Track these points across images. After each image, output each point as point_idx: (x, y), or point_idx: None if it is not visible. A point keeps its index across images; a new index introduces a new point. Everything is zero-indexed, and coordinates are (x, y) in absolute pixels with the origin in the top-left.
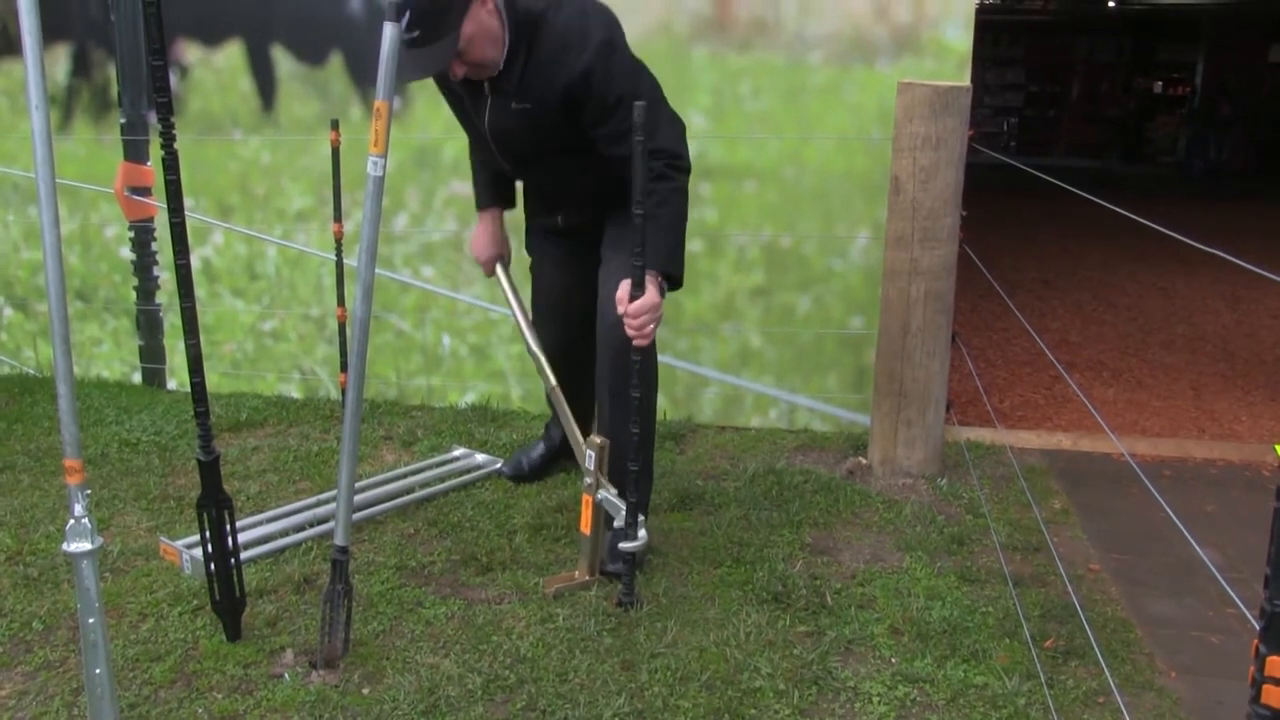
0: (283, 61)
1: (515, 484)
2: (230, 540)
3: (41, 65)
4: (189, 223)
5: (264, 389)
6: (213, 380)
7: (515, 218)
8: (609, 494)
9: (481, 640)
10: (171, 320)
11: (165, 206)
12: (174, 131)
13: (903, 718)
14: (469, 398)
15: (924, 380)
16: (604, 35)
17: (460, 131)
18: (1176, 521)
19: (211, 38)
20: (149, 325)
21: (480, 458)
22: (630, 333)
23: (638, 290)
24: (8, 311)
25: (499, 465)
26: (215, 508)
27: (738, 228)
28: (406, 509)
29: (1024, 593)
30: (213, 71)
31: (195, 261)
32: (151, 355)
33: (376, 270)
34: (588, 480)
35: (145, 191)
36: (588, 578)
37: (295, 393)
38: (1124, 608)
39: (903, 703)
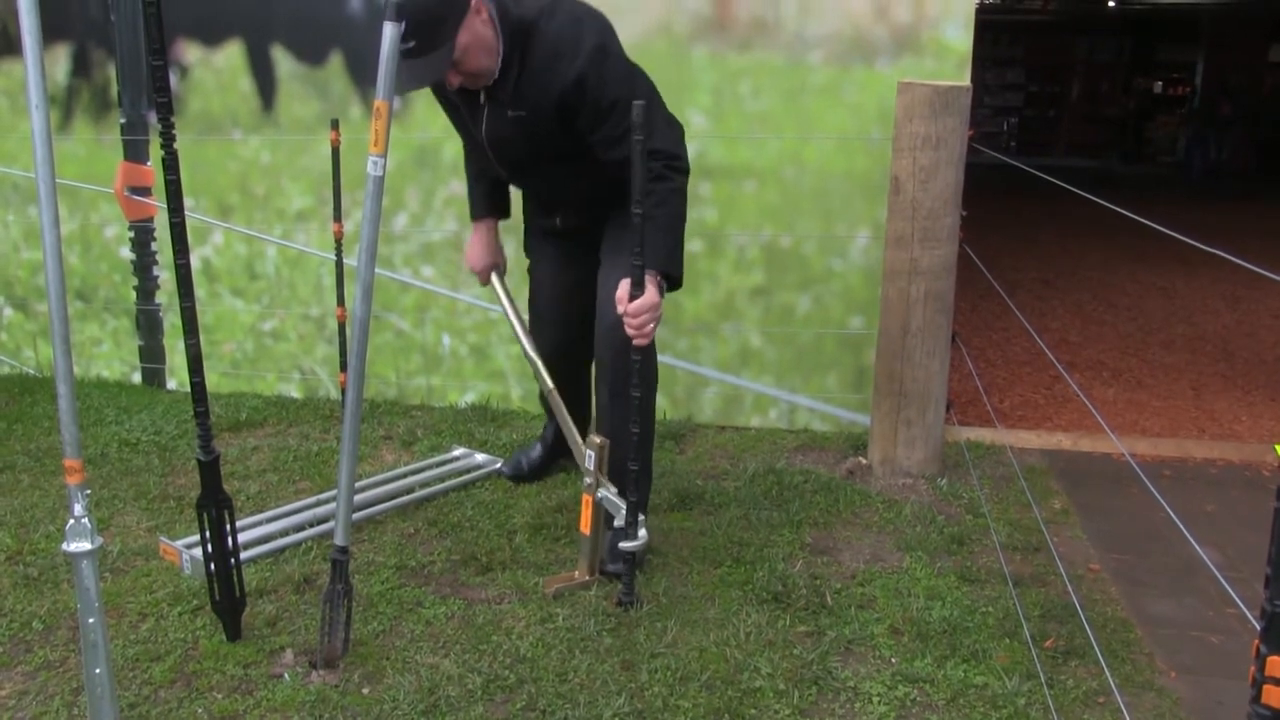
0: (283, 61)
1: (515, 484)
2: (230, 540)
3: (41, 65)
4: (189, 223)
5: (264, 389)
6: (212, 380)
7: (514, 219)
8: (609, 493)
9: (481, 640)
10: (171, 320)
11: (165, 206)
12: (174, 131)
13: (903, 718)
14: (469, 397)
15: (924, 380)
16: (596, 41)
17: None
18: (1176, 521)
19: (211, 38)
20: (149, 325)
21: (480, 457)
22: (630, 332)
23: (637, 290)
24: (8, 311)
25: (499, 465)
26: (215, 508)
27: (737, 228)
28: (406, 509)
29: (1024, 593)
30: (213, 71)
31: (195, 261)
32: (151, 355)
33: (376, 270)
34: (587, 480)
35: (145, 191)
36: (588, 578)
37: (295, 392)
38: (1124, 608)
39: (903, 703)
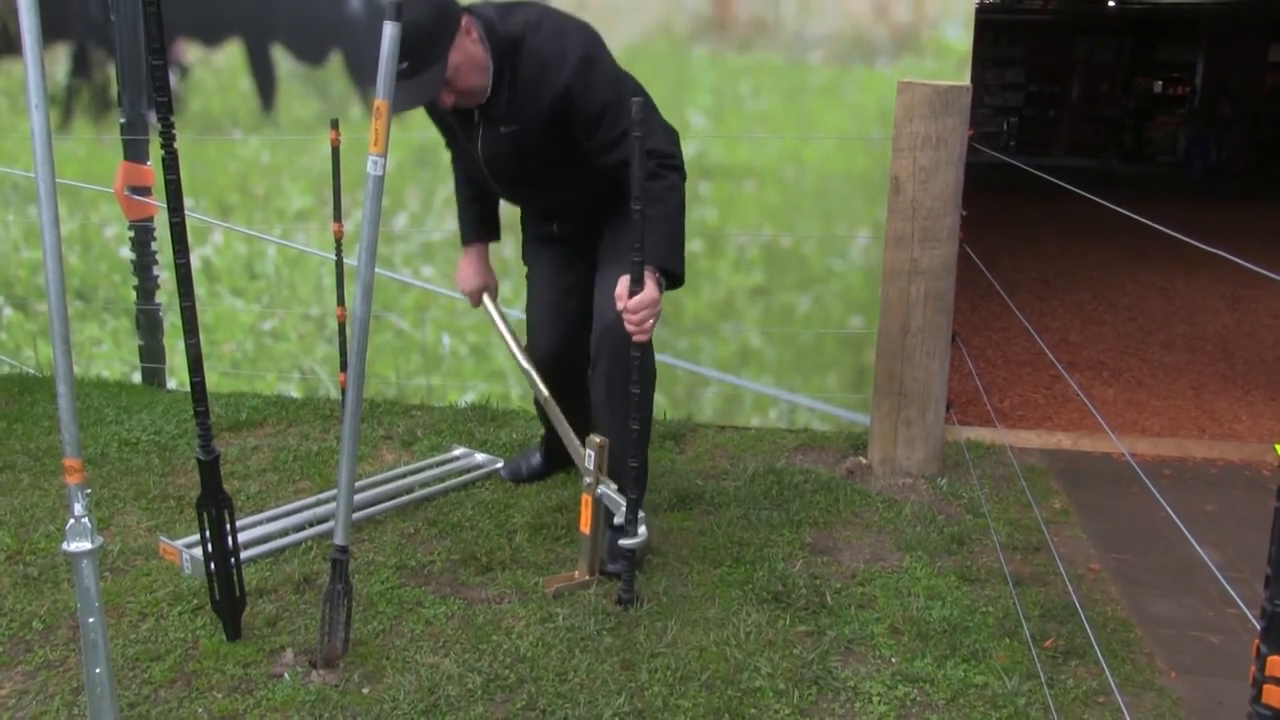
0: (282, 61)
1: (515, 484)
2: (230, 540)
3: (41, 65)
4: (189, 222)
5: (264, 389)
6: (212, 380)
7: (514, 220)
8: (609, 490)
9: (481, 640)
10: (171, 320)
11: (165, 206)
12: (174, 131)
13: (903, 717)
14: (469, 397)
15: (924, 380)
16: (582, 51)
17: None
18: (1177, 521)
19: (211, 37)
20: (149, 325)
21: (480, 457)
22: (630, 328)
23: (637, 286)
24: (8, 311)
25: (499, 465)
26: (215, 507)
27: (737, 227)
28: (406, 509)
29: (1024, 592)
30: (213, 71)
31: (195, 261)
32: (151, 355)
33: (376, 270)
34: (587, 480)
35: (145, 191)
36: (588, 577)
37: (295, 392)
38: (1124, 607)
39: (903, 702)
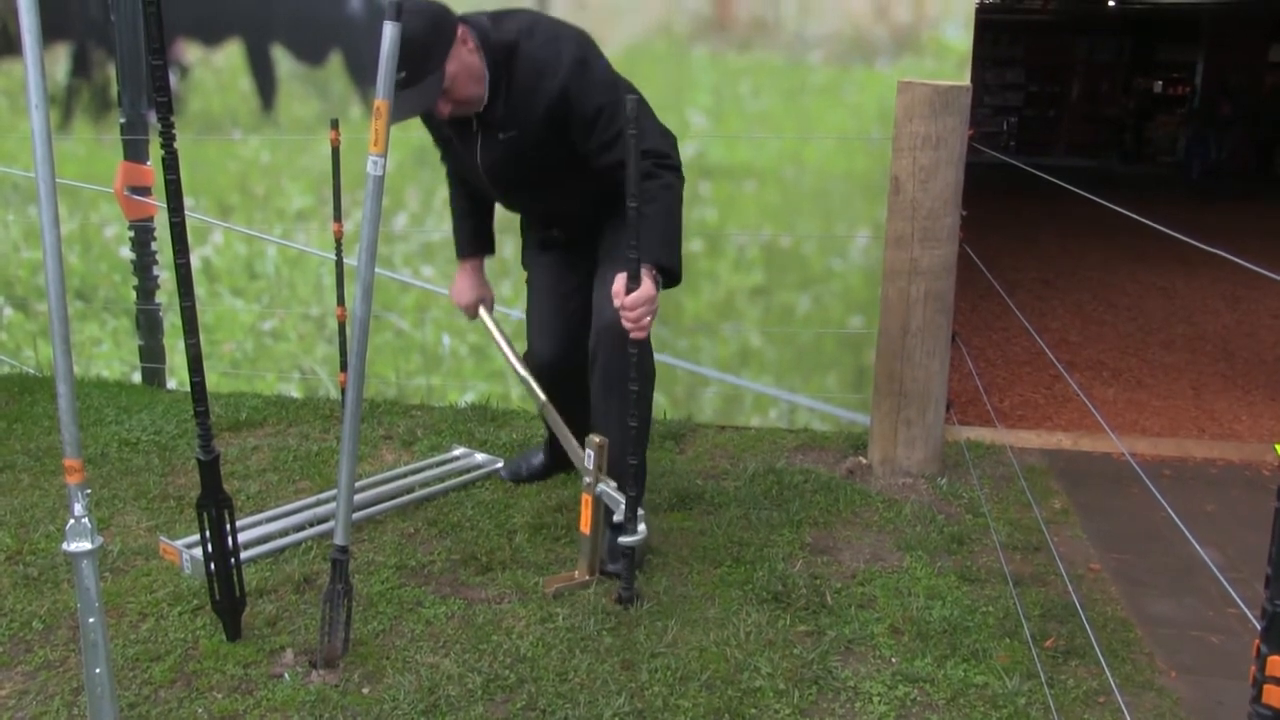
0: (282, 61)
1: (515, 484)
2: (230, 540)
3: (41, 65)
4: (189, 222)
5: (264, 389)
6: (212, 380)
7: (513, 222)
8: (608, 487)
9: (481, 640)
10: (171, 320)
11: (165, 206)
12: (174, 131)
13: (903, 717)
14: (469, 397)
15: (924, 380)
16: (576, 54)
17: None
18: (1177, 521)
19: (211, 37)
20: (149, 325)
21: (480, 457)
22: (627, 325)
23: (633, 283)
24: (8, 311)
25: (498, 465)
26: (215, 507)
27: (737, 227)
28: (406, 509)
29: (1024, 592)
30: (212, 71)
31: (195, 261)
32: (151, 355)
33: (376, 270)
34: (586, 480)
35: (145, 191)
36: (587, 577)
37: (295, 392)
38: (1124, 607)
39: (903, 702)
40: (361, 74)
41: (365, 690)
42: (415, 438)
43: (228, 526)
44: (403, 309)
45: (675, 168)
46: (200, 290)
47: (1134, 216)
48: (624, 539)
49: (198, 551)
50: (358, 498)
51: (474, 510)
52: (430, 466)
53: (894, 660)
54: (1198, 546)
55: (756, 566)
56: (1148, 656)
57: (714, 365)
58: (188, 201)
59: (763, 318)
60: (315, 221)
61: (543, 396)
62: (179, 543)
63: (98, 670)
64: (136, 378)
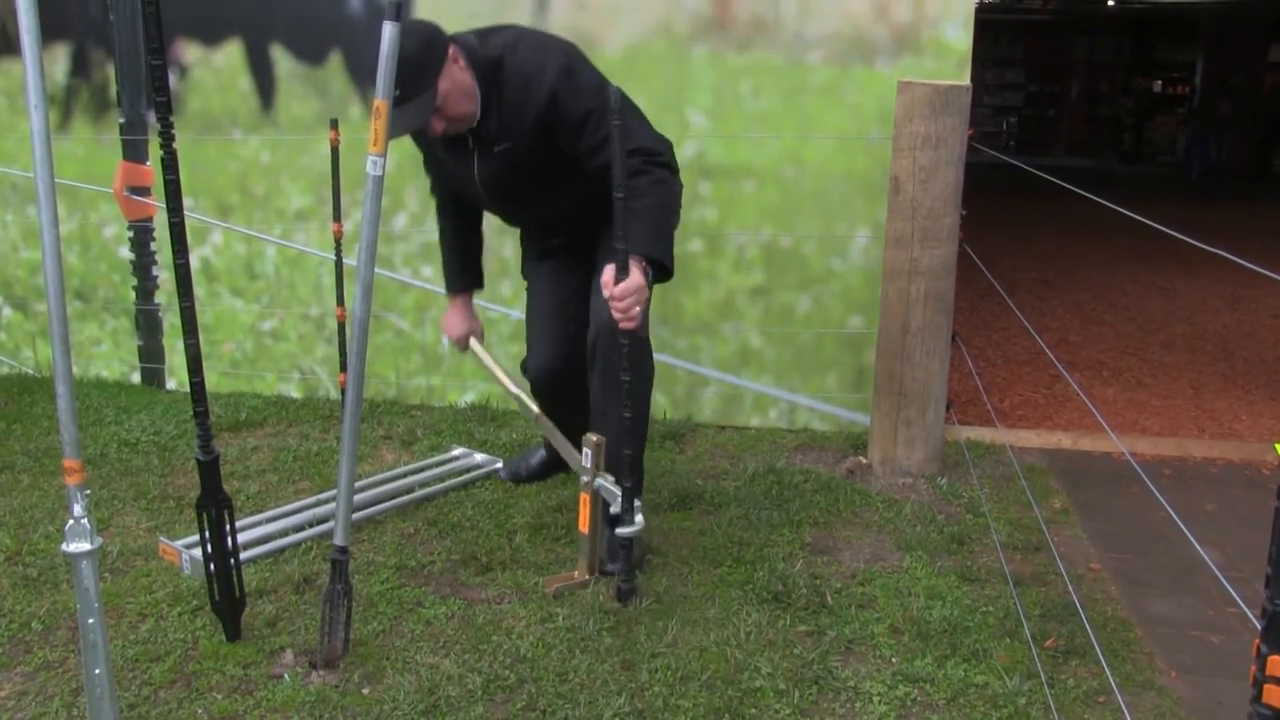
0: (282, 61)
1: (515, 484)
2: (230, 540)
3: (40, 65)
4: (188, 222)
5: (263, 389)
6: (212, 380)
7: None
8: (605, 481)
9: (481, 640)
10: (171, 320)
11: (164, 206)
12: (173, 131)
13: (903, 717)
14: (468, 397)
15: (924, 380)
16: (561, 62)
17: None
18: (1177, 520)
19: (211, 37)
20: (148, 325)
21: (479, 457)
22: (616, 315)
23: (622, 274)
24: (7, 311)
25: (498, 465)
26: (215, 508)
27: (737, 227)
28: (406, 509)
29: (1024, 592)
30: (212, 71)
31: (194, 261)
32: (151, 355)
33: (376, 270)
34: (585, 479)
35: (144, 191)
36: (587, 577)
37: (295, 392)
38: (1124, 607)
39: (903, 702)
40: (361, 74)
41: (365, 691)
42: (415, 438)
43: (227, 527)
44: (403, 309)
45: (667, 165)
46: (200, 290)
47: (1134, 216)
48: (621, 529)
49: (197, 552)
50: (358, 498)
51: (474, 510)
52: (430, 466)
53: (894, 660)
54: (1198, 546)
55: (756, 566)
56: (1148, 656)
57: (714, 365)
58: (187, 201)
59: (763, 318)
60: (315, 221)
61: (535, 409)
62: (179, 543)
63: (97, 671)
64: (136, 378)
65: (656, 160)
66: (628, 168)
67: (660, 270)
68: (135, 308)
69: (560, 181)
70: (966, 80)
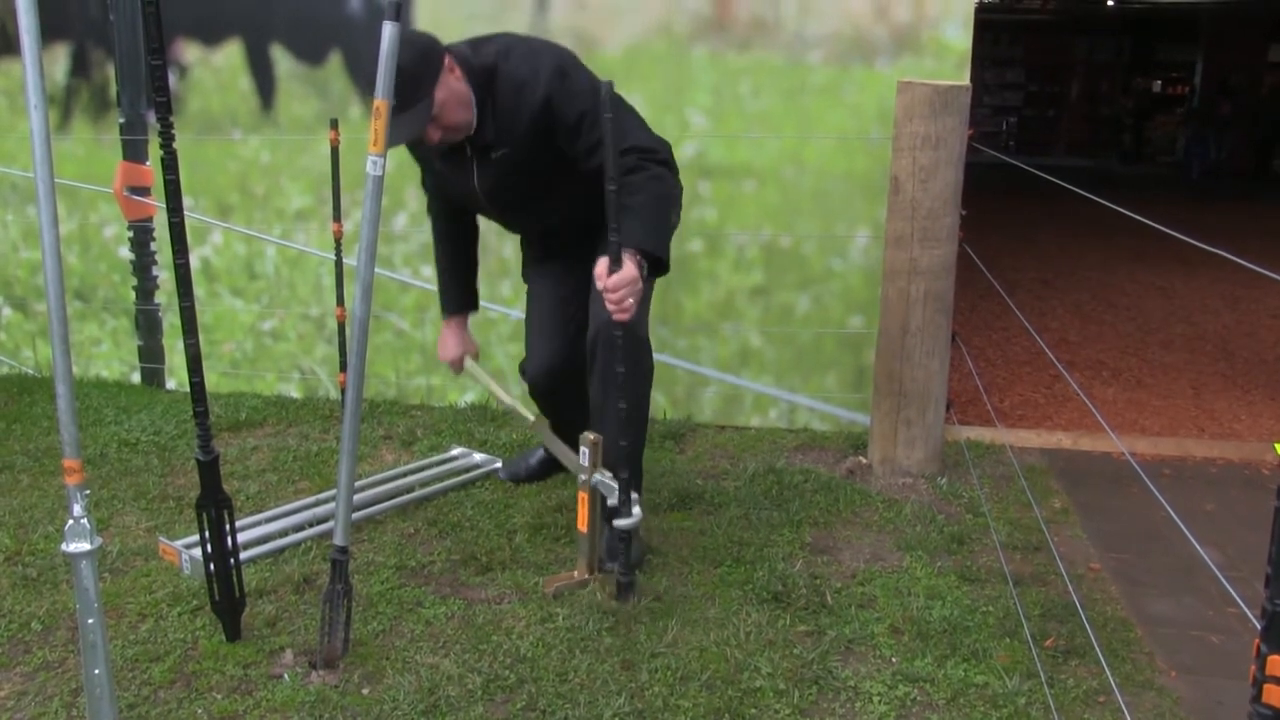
0: (282, 61)
1: (514, 484)
2: (230, 540)
3: (40, 65)
4: (188, 222)
5: (263, 389)
6: (212, 380)
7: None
8: (603, 477)
9: (481, 640)
10: (170, 320)
11: (164, 206)
12: (173, 131)
13: (903, 717)
14: (468, 397)
15: (924, 380)
16: (554, 64)
17: None
18: (1177, 520)
19: (211, 37)
20: (148, 325)
21: (479, 457)
22: (610, 307)
23: (615, 266)
24: (7, 311)
25: (497, 465)
26: (214, 508)
27: (737, 227)
28: (406, 509)
29: (1024, 592)
30: (212, 71)
31: (194, 261)
32: (150, 355)
33: (376, 270)
34: (583, 478)
35: (144, 191)
36: (587, 576)
37: (295, 392)
38: (1124, 607)
39: (903, 702)
40: (361, 75)
41: (365, 691)
42: (415, 438)
43: (227, 527)
44: (402, 309)
45: (664, 162)
46: (200, 290)
47: (1133, 216)
48: (619, 521)
49: (197, 552)
50: (357, 498)
51: (474, 510)
52: (430, 466)
53: (894, 660)
54: (1197, 546)
55: (756, 566)
56: (1148, 656)
57: (714, 365)
58: (187, 201)
59: (762, 317)
60: (315, 221)
61: (530, 416)
62: (178, 543)
63: (97, 671)
64: (136, 378)
65: (654, 158)
66: (624, 165)
67: (656, 265)
68: (135, 308)
69: (559, 184)
70: (966, 80)
